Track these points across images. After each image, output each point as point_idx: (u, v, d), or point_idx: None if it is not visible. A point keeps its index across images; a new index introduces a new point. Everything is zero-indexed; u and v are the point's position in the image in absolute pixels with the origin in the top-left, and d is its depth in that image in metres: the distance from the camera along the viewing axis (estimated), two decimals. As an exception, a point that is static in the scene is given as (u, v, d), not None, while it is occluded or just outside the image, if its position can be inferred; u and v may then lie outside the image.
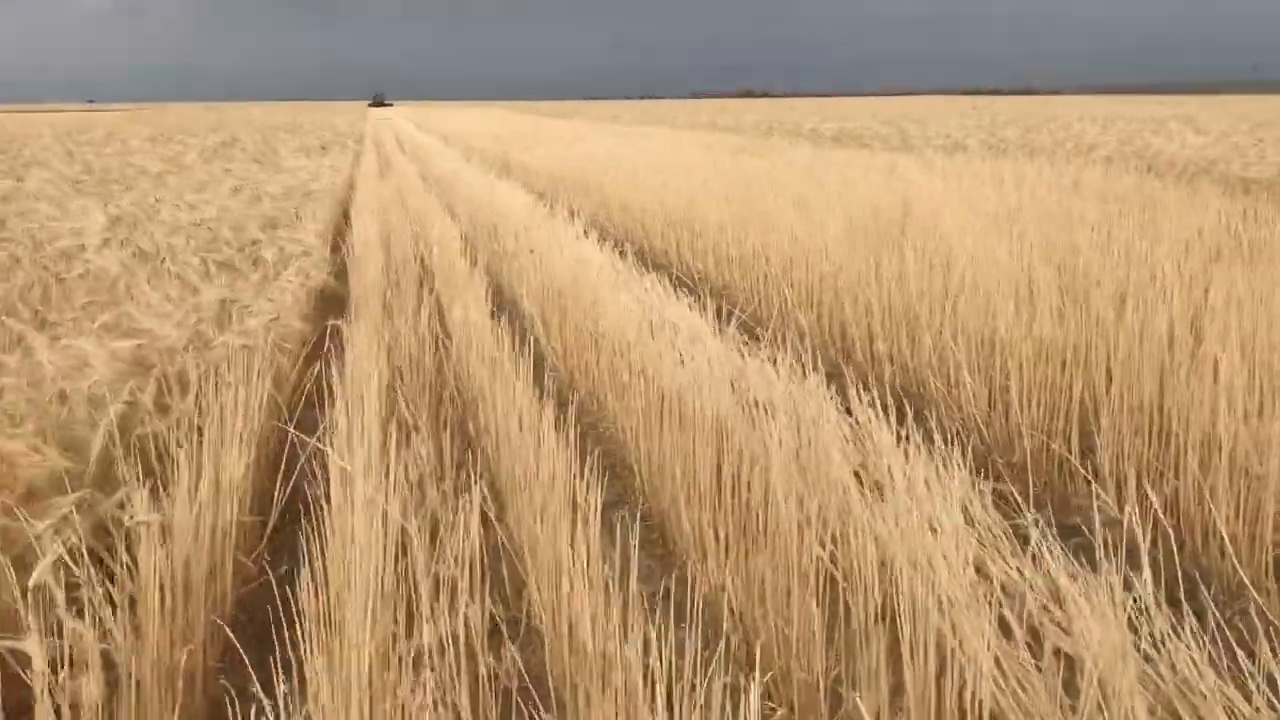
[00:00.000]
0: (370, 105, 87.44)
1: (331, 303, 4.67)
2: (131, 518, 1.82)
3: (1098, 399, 3.08)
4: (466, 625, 1.87)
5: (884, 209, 5.69)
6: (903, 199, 5.99)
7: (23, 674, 1.68)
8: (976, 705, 1.64)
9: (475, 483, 2.57)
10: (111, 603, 1.79)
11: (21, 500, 2.01)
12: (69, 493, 2.09)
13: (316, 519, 2.60)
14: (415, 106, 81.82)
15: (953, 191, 6.47)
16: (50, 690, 1.56)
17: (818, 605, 1.86)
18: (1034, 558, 2.00)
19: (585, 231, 5.93)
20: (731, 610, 2.13)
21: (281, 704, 1.48)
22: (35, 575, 1.54)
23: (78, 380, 2.56)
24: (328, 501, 2.83)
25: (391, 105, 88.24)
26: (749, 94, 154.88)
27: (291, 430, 2.69)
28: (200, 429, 2.49)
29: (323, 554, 2.15)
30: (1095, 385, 3.12)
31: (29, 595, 1.72)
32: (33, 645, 1.65)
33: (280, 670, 1.67)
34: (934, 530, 1.98)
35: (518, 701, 1.84)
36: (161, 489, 2.19)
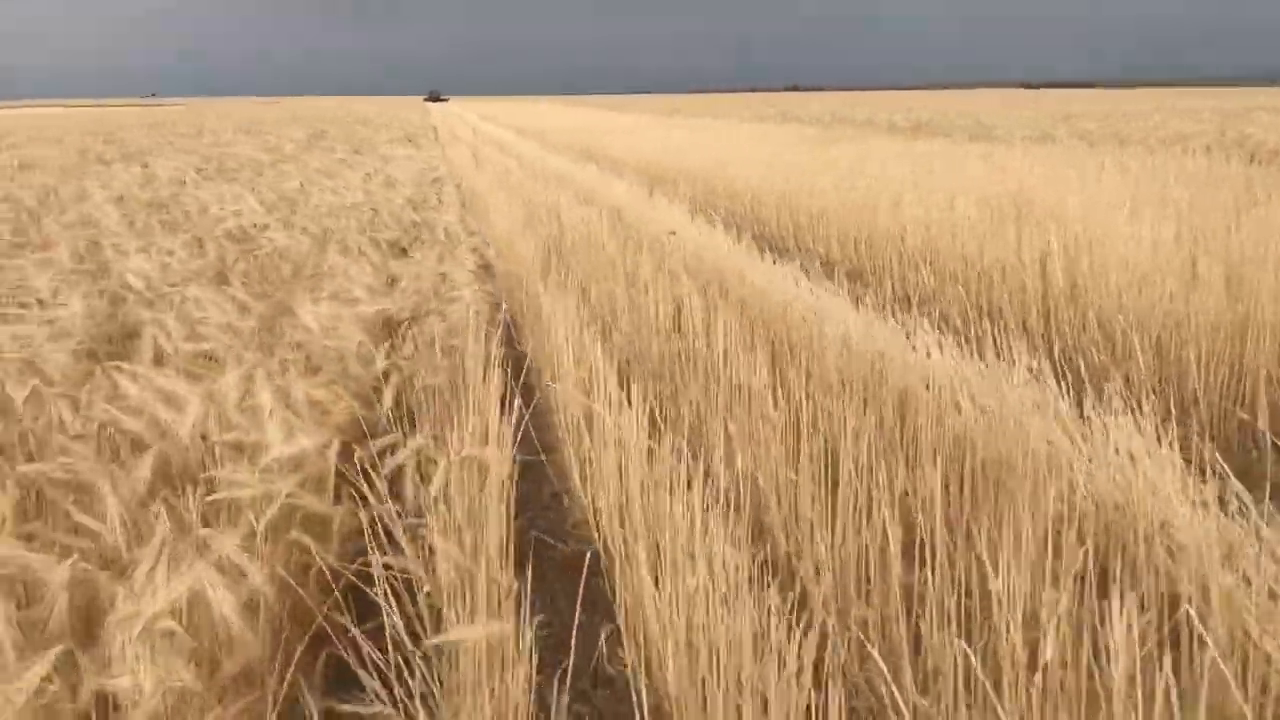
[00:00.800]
0: (426, 100, 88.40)
1: (486, 277, 4.89)
2: (458, 453, 2.00)
3: (1273, 371, 3.20)
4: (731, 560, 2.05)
5: (1001, 195, 5.80)
6: (1017, 185, 6.09)
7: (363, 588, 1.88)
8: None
9: (722, 430, 2.76)
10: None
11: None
12: (368, 435, 2.29)
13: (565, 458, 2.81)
14: (463, 101, 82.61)
15: (1064, 179, 6.54)
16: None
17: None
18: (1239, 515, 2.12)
19: (692, 214, 6.12)
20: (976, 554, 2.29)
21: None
22: (435, 487, 1.73)
23: (336, 341, 2.77)
24: (547, 451, 3.06)
25: (447, 100, 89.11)
26: (794, 88, 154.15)
27: (515, 381, 2.89)
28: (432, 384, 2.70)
29: (590, 488, 2.35)
30: (1270, 357, 3.24)
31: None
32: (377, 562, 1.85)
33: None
34: (1149, 489, 2.14)
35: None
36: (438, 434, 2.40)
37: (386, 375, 2.53)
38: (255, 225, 4.92)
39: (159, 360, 2.76)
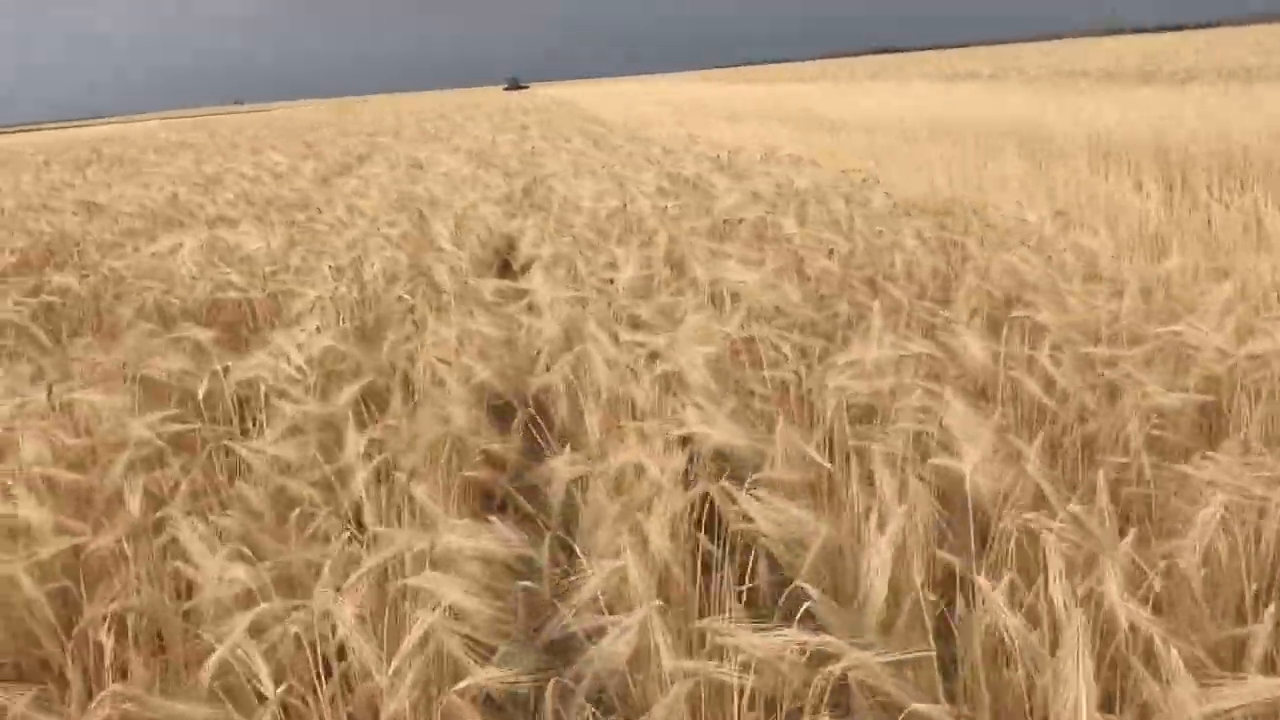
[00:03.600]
0: (506, 89, 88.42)
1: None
2: None
3: None
4: None
5: None
6: None
7: None
8: None
9: None
10: None
11: None
12: None
13: None
14: (546, 87, 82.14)
15: None
16: None
17: None
18: None
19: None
20: None
21: None
22: None
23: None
24: None
25: (528, 88, 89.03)
26: (886, 50, 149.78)
27: None
28: None
29: None
30: None
31: None
32: None
33: None
34: None
35: None
36: None
37: None
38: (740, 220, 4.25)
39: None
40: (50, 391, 2.43)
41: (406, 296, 4.03)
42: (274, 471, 2.11)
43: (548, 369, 2.71)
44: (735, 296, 3.16)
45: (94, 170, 11.37)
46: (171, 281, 4.51)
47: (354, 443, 2.21)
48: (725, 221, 4.46)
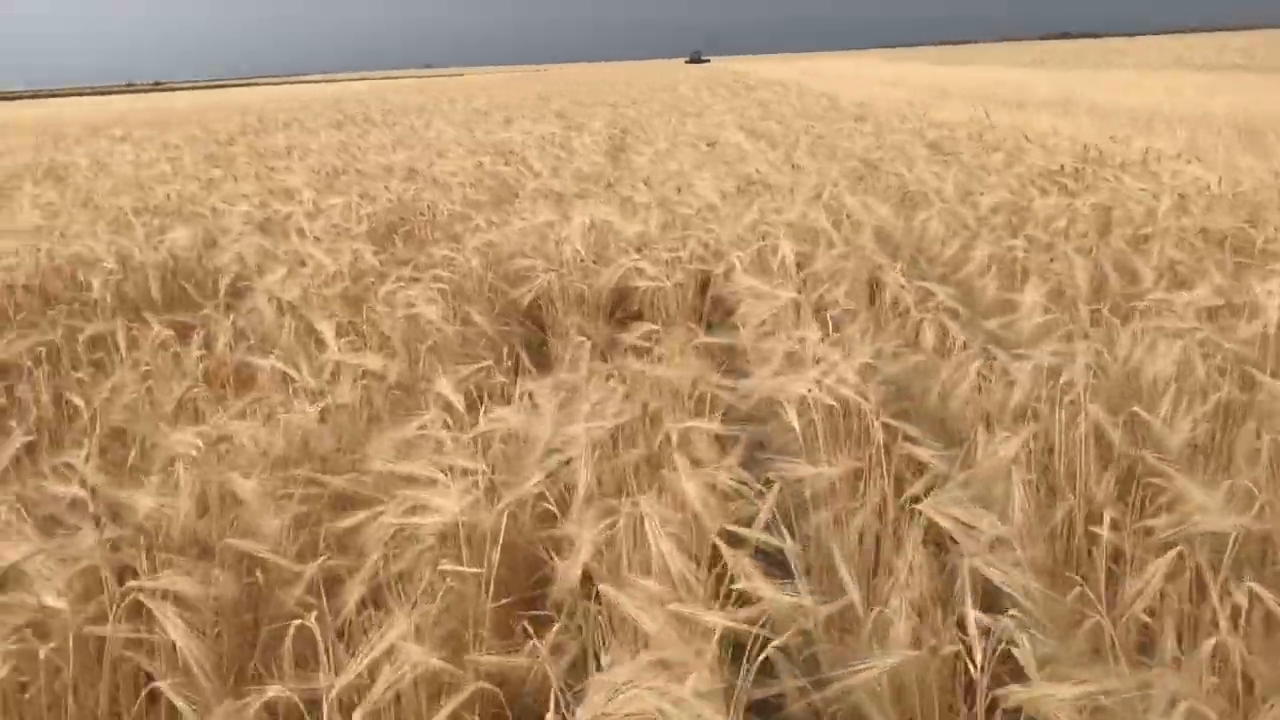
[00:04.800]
0: (688, 62, 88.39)
1: None
2: None
3: None
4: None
5: None
6: None
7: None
8: None
9: None
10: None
11: None
12: None
13: None
14: (727, 61, 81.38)
15: None
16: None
17: None
18: None
19: None
20: None
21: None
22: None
23: None
24: None
25: (709, 61, 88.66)
26: (1065, 35, 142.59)
27: None
28: None
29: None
30: None
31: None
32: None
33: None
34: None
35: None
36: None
37: None
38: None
39: None
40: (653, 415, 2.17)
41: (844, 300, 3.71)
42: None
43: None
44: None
45: (366, 132, 11.56)
46: (554, 261, 4.31)
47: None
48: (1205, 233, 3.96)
